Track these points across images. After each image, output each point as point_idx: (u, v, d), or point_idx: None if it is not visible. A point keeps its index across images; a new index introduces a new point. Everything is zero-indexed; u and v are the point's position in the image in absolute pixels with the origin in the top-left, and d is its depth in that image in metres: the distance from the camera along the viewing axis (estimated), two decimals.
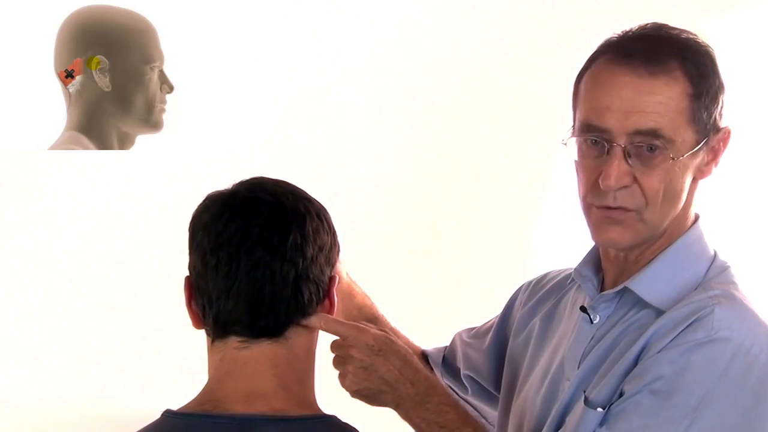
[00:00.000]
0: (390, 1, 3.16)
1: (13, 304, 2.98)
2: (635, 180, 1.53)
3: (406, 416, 1.63)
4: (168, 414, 1.48)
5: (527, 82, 3.11)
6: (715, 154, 1.57)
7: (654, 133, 1.51)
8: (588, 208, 1.58)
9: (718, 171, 1.61)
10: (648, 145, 1.51)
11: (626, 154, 1.52)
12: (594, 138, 1.54)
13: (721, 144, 1.57)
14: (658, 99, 1.52)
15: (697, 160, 1.55)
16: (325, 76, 3.13)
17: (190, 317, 1.52)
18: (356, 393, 1.61)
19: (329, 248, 1.51)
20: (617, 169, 1.52)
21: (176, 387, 2.83)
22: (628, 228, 1.56)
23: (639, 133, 1.51)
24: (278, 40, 3.10)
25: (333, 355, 1.62)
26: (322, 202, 1.54)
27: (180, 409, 1.49)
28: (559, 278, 1.81)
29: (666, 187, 1.53)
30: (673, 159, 1.52)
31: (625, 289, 1.60)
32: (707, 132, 1.54)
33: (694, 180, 1.58)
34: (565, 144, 1.57)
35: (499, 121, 3.17)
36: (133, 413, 2.86)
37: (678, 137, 1.52)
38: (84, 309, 3.01)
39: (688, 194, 1.58)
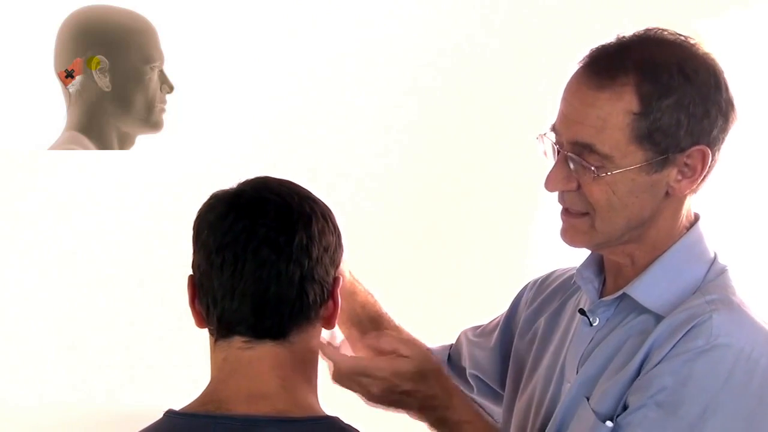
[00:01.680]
0: (391, 1, 3.16)
1: (13, 304, 2.98)
2: (580, 186, 1.55)
3: (428, 426, 1.69)
4: (170, 414, 1.48)
5: (528, 82, 3.11)
6: (693, 172, 1.54)
7: (589, 148, 1.52)
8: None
9: (717, 173, 1.59)
10: (586, 156, 1.53)
11: (568, 160, 1.54)
12: (551, 140, 1.57)
13: (699, 164, 1.54)
14: (598, 113, 1.52)
15: (658, 176, 1.54)
16: (326, 75, 3.13)
17: (193, 316, 1.52)
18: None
19: (334, 249, 1.51)
20: (556, 174, 1.56)
21: (178, 386, 2.82)
22: (579, 231, 1.58)
23: (577, 144, 1.53)
24: (278, 39, 3.10)
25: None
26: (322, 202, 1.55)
27: (182, 409, 1.48)
28: (564, 277, 1.81)
29: (610, 199, 1.54)
30: (608, 174, 1.52)
31: (624, 294, 1.60)
32: (664, 150, 1.52)
33: (668, 195, 1.56)
34: (538, 138, 1.59)
35: (501, 121, 3.17)
36: (136, 412, 2.86)
37: (616, 153, 1.52)
38: (84, 309, 3.01)
39: (663, 208, 1.57)
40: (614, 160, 1.52)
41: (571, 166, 1.54)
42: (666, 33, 1.57)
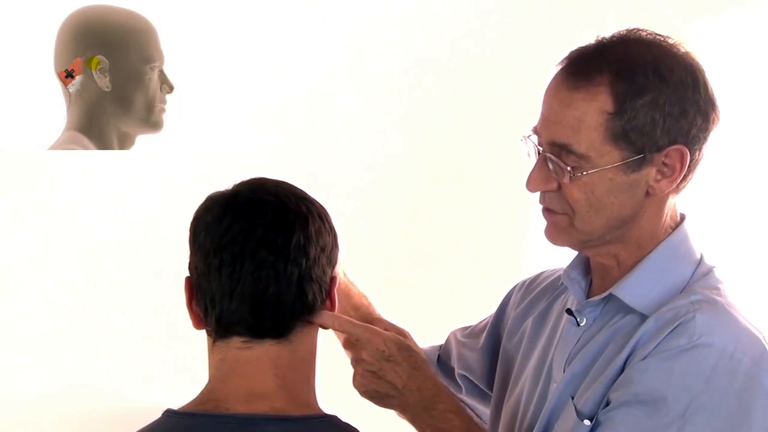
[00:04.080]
0: (388, 3, 3.16)
1: (13, 304, 2.98)
2: (560, 186, 1.56)
3: (412, 421, 1.65)
4: (169, 413, 1.49)
5: (523, 84, 3.11)
6: (672, 172, 1.55)
7: (566, 148, 1.53)
8: None
9: (705, 172, 1.60)
10: (564, 156, 1.54)
11: (548, 161, 1.55)
12: (534, 142, 1.58)
13: (677, 164, 1.54)
14: (574, 113, 1.53)
15: (636, 175, 1.54)
16: (325, 76, 3.13)
17: (191, 318, 1.52)
18: (365, 393, 1.64)
19: (330, 249, 1.52)
20: (536, 175, 1.57)
21: (177, 386, 2.83)
22: (560, 230, 1.59)
23: (555, 144, 1.54)
24: (278, 40, 3.10)
25: (337, 355, 1.64)
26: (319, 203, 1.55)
27: (181, 408, 1.49)
28: (552, 278, 1.82)
29: (589, 199, 1.54)
30: (585, 174, 1.53)
31: (611, 295, 1.61)
32: (641, 150, 1.53)
33: (649, 194, 1.56)
34: (522, 140, 1.60)
35: (496, 123, 3.17)
36: (135, 411, 2.87)
37: (592, 152, 1.52)
38: (84, 308, 3.02)
39: (645, 207, 1.57)
40: (591, 160, 1.53)
41: (550, 166, 1.55)
42: (644, 33, 1.57)
